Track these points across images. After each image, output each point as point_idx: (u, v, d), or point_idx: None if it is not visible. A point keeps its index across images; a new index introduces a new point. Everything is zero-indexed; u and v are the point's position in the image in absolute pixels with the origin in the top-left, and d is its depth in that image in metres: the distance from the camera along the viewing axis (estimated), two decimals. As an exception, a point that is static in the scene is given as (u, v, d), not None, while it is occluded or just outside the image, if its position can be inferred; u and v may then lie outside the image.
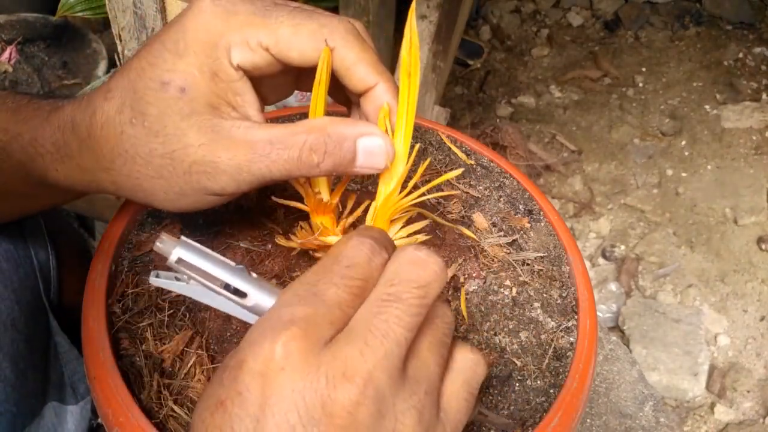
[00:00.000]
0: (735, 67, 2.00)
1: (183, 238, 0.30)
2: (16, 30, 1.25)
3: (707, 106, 1.87)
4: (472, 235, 0.45)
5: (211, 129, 0.32)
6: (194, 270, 0.30)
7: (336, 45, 0.33)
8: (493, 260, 0.44)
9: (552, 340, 0.40)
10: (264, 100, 0.38)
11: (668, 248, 1.52)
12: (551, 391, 0.38)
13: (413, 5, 0.34)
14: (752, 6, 2.15)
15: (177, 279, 0.32)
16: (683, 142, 1.77)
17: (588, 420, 0.70)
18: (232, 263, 0.30)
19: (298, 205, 0.40)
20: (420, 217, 0.42)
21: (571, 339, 0.40)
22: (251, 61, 0.33)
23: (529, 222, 0.47)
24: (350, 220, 0.41)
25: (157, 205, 0.35)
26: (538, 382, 0.38)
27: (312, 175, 0.33)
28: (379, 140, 0.33)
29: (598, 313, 1.34)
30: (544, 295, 0.43)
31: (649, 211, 1.61)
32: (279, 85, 0.38)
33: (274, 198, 0.40)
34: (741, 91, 1.90)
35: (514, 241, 0.46)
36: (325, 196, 0.38)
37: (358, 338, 0.24)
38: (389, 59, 1.18)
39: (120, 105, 0.33)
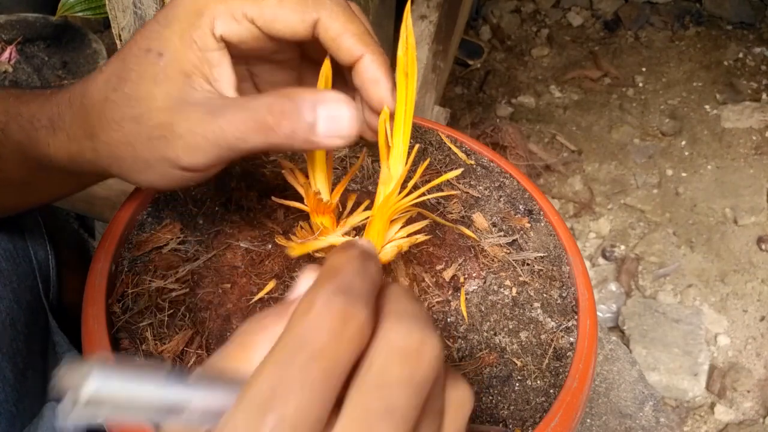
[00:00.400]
0: (735, 67, 2.00)
1: (97, 361, 0.19)
2: (16, 30, 1.25)
3: (707, 106, 1.87)
4: (472, 235, 0.45)
5: (177, 94, 0.32)
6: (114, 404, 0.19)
7: (321, 16, 0.32)
8: (493, 260, 0.44)
9: (552, 340, 0.40)
10: None
11: (668, 248, 1.52)
12: (551, 391, 0.38)
13: (408, 5, 0.34)
14: (752, 6, 2.15)
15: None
16: (683, 142, 1.77)
17: (588, 420, 0.70)
18: (163, 371, 0.20)
19: (298, 205, 0.40)
20: (420, 217, 0.42)
21: (571, 339, 0.40)
22: (236, 33, 0.32)
23: (529, 222, 0.47)
24: (350, 220, 0.41)
25: (128, 178, 0.35)
26: (538, 382, 0.38)
27: (271, 142, 0.31)
28: (342, 105, 0.31)
29: (598, 313, 1.34)
30: (544, 295, 0.43)
31: (649, 211, 1.61)
32: (279, 83, 0.38)
33: (274, 198, 0.40)
34: (741, 91, 1.90)
35: (514, 241, 0.46)
36: (324, 196, 0.38)
37: None
38: (389, 59, 1.18)
39: (109, 74, 0.34)
